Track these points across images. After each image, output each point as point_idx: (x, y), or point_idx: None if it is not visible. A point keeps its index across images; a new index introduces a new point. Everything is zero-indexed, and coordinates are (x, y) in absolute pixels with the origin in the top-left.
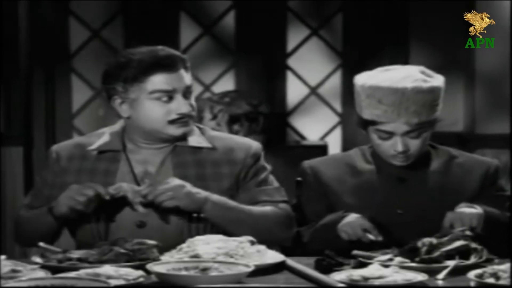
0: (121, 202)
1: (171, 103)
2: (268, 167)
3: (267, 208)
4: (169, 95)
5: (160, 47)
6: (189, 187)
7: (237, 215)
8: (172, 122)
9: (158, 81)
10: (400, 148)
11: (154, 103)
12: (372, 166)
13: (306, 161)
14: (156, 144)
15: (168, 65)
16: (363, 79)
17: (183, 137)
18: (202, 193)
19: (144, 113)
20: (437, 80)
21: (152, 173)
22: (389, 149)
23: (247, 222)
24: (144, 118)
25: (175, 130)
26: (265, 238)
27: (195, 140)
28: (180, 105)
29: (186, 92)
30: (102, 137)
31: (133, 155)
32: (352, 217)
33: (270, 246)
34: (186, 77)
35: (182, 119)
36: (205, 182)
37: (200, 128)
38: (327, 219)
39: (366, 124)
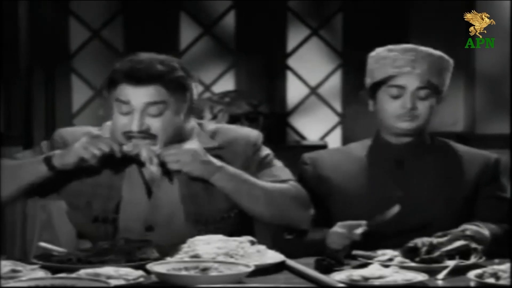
0: (135, 161)
1: (128, 116)
2: (270, 151)
3: (281, 185)
4: (128, 108)
5: (147, 57)
6: (200, 153)
7: (248, 186)
8: (124, 134)
9: (120, 91)
10: (409, 104)
11: (117, 112)
12: (370, 152)
13: (306, 153)
14: None
15: (134, 78)
16: (378, 49)
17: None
18: (215, 162)
19: (113, 121)
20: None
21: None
22: (398, 109)
23: (262, 197)
24: (113, 125)
25: (129, 144)
26: (282, 216)
27: (199, 139)
28: (130, 121)
29: (144, 111)
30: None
31: None
32: (332, 229)
33: (289, 227)
34: (156, 94)
35: (132, 136)
36: None
37: (200, 124)
38: (313, 236)
39: (377, 87)
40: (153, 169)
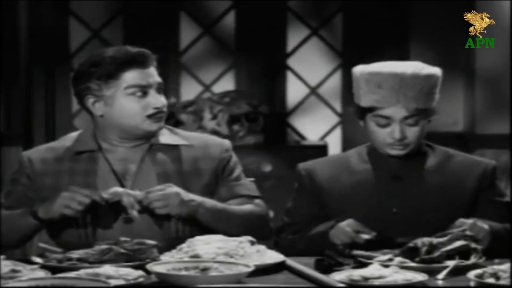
0: (115, 208)
1: (146, 98)
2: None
3: (249, 207)
4: (144, 90)
5: (128, 46)
6: (183, 195)
7: (225, 216)
8: (149, 116)
9: (132, 76)
10: (397, 135)
11: (130, 98)
12: (367, 165)
13: (301, 164)
14: (131, 142)
15: (140, 61)
16: (362, 67)
17: (154, 135)
18: (196, 199)
19: (120, 110)
20: (435, 69)
21: (133, 171)
22: (386, 137)
23: (234, 221)
24: (120, 114)
25: (151, 126)
26: (248, 233)
27: (170, 138)
28: (156, 100)
29: (159, 88)
30: (75, 139)
31: (111, 154)
32: (342, 223)
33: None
34: (156, 74)
35: (157, 114)
36: (185, 178)
37: (169, 129)
38: (319, 228)
39: (364, 112)
40: (134, 214)
